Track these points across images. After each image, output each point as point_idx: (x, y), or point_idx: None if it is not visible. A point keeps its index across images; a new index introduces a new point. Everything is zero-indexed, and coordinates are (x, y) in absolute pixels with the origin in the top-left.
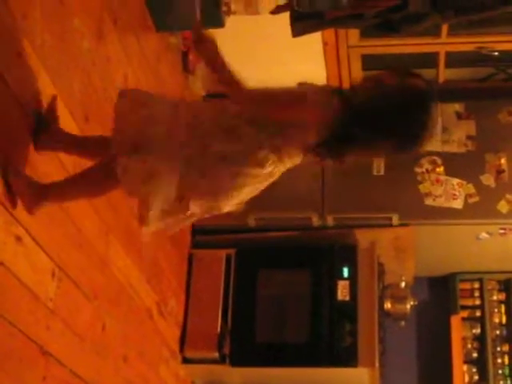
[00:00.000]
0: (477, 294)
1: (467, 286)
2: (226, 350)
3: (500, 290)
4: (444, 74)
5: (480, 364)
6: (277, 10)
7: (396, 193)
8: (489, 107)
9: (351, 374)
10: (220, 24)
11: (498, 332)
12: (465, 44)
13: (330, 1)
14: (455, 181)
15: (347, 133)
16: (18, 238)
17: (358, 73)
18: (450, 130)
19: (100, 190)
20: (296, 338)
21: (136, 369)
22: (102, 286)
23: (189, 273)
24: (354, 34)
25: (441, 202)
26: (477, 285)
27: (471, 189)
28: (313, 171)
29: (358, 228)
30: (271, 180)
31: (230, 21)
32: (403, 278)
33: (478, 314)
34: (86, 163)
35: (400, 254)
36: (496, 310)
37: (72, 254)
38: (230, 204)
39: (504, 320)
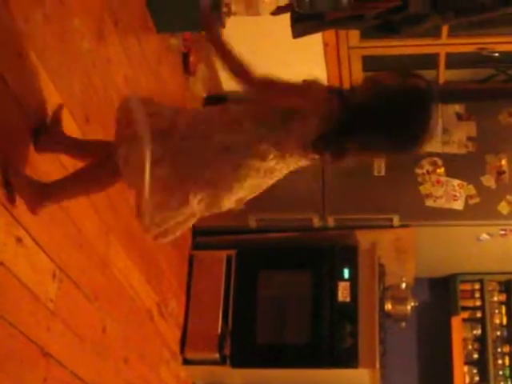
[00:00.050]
0: (477, 295)
1: (468, 287)
2: (227, 351)
3: (500, 291)
4: (444, 75)
5: (481, 365)
6: (277, 11)
7: (397, 194)
8: (489, 108)
9: (352, 375)
10: (221, 25)
11: (498, 333)
12: (465, 45)
13: (330, 2)
14: (456, 182)
15: (345, 132)
16: (19, 239)
17: (358, 74)
18: (450, 131)
19: (101, 185)
20: (296, 339)
21: (137, 370)
22: (102, 287)
23: (189, 274)
24: (354, 35)
25: (441, 203)
26: (477, 286)
27: (472, 190)
28: (313, 172)
29: (359, 229)
30: (273, 180)
31: (230, 22)
32: (404, 279)
33: (479, 315)
34: None
35: (401, 255)
36: (497, 311)
37: (72, 255)
38: (231, 199)
39: (504, 321)
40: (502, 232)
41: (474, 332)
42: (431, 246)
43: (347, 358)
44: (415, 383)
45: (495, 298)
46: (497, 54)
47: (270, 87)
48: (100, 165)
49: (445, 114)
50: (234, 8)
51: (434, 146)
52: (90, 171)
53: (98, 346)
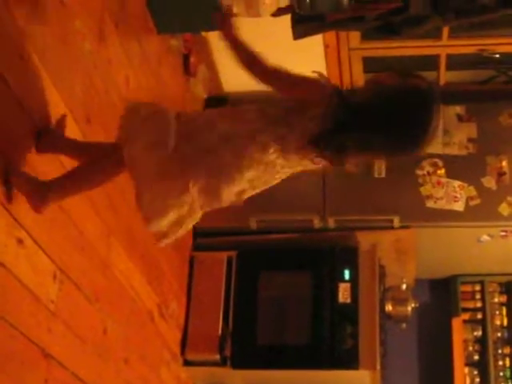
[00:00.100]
0: (478, 296)
1: (468, 288)
2: (227, 353)
3: (501, 293)
4: (445, 76)
5: (481, 366)
6: (278, 13)
7: (397, 195)
8: (490, 110)
9: (352, 376)
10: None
11: (499, 334)
12: (466, 46)
13: (331, 3)
14: (456, 183)
15: (344, 131)
16: (20, 241)
17: (359, 75)
18: (450, 133)
19: (105, 176)
20: (297, 341)
21: (137, 371)
22: (103, 289)
23: (190, 275)
24: (355, 36)
25: (442, 205)
26: (478, 287)
27: (472, 191)
28: (314, 173)
29: (359, 230)
30: (274, 178)
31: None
32: (404, 281)
33: (480, 316)
34: None
35: (401, 256)
36: (497, 313)
37: (73, 257)
38: (231, 190)
39: (505, 322)
40: (503, 233)
41: (475, 333)
42: (432, 247)
43: (348, 360)
44: None
45: (496, 300)
46: (497, 56)
47: (281, 76)
48: (106, 155)
49: (445, 115)
50: (234, 9)
51: (434, 147)
52: (95, 162)
53: (99, 347)
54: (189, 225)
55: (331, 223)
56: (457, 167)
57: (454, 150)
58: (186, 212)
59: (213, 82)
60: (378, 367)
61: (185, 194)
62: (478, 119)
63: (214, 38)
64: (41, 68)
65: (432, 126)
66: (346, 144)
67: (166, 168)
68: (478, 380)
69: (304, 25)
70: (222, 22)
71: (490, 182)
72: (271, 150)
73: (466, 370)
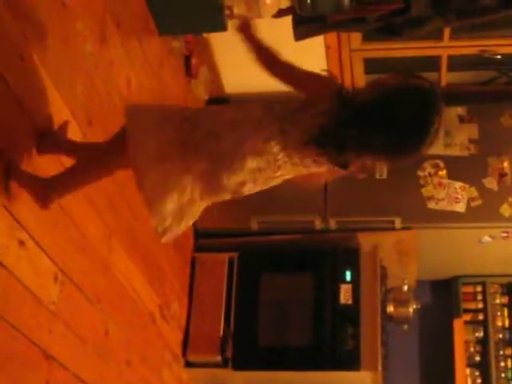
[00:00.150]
0: (479, 297)
1: (470, 289)
2: (229, 354)
3: (503, 294)
4: (446, 77)
5: (483, 367)
6: (279, 14)
7: (398, 196)
8: (491, 111)
9: (354, 377)
10: (223, 28)
11: (500, 335)
12: (467, 47)
13: (332, 4)
14: (458, 184)
15: (344, 130)
16: (21, 242)
17: (360, 76)
18: (452, 134)
19: (107, 169)
20: (298, 342)
21: (139, 373)
22: (104, 290)
23: (191, 276)
24: (356, 37)
25: (443, 206)
26: (479, 288)
27: (474, 192)
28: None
29: (361, 231)
30: (275, 175)
31: (232, 24)
32: (406, 282)
33: (481, 317)
34: None
35: (402, 257)
36: (499, 314)
37: (75, 258)
38: (231, 179)
39: (507, 323)
40: (504, 234)
41: (476, 334)
42: (433, 248)
43: (349, 361)
44: None
45: (497, 301)
46: (499, 57)
47: (299, 74)
48: (106, 148)
49: (447, 116)
50: (236, 11)
51: (436, 148)
52: (96, 154)
53: (100, 349)
54: (189, 219)
55: (333, 224)
56: (458, 168)
57: (455, 151)
58: (187, 201)
59: (214, 84)
60: (380, 368)
61: (185, 177)
62: (480, 120)
63: (216, 40)
64: (42, 69)
65: (434, 126)
66: (346, 143)
67: (166, 152)
68: (479, 381)
69: (305, 26)
70: (243, 25)
71: (491, 182)
72: (273, 143)
73: (468, 371)
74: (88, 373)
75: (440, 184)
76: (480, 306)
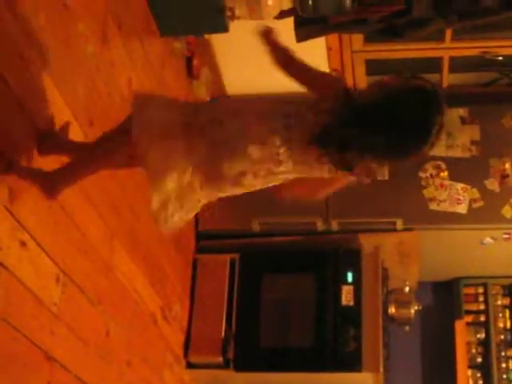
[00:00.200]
0: (481, 298)
1: (471, 290)
2: (230, 355)
3: (504, 295)
4: (448, 78)
5: (484, 369)
6: (281, 16)
7: (400, 197)
8: (493, 112)
9: (355, 378)
10: (224, 29)
11: (502, 337)
12: (469, 49)
13: (333, 6)
14: (459, 185)
15: (346, 129)
16: (23, 243)
17: (361, 78)
18: (454, 135)
19: (112, 156)
20: (300, 343)
21: (140, 374)
22: (106, 291)
23: (193, 277)
24: (357, 39)
25: (445, 207)
26: (481, 290)
27: (475, 193)
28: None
29: (362, 233)
30: (278, 172)
31: (234, 26)
32: (407, 283)
33: (483, 318)
34: None
35: (404, 258)
36: (500, 315)
37: (76, 259)
38: (232, 167)
39: (508, 325)
40: (506, 236)
41: (478, 336)
42: (435, 249)
43: (351, 362)
44: None
45: (499, 302)
46: (500, 58)
47: (308, 71)
48: (116, 130)
49: (448, 117)
50: (237, 12)
51: (437, 149)
52: (108, 138)
53: (102, 350)
54: (190, 211)
55: (334, 226)
56: (460, 169)
57: (457, 153)
58: (187, 184)
59: (216, 85)
60: (381, 370)
61: (187, 158)
62: (481, 121)
63: (217, 41)
64: (43, 70)
65: (435, 127)
66: (348, 143)
67: (170, 131)
68: (481, 382)
69: (307, 27)
70: (265, 31)
71: (493, 184)
72: (277, 135)
73: (469, 372)
74: (89, 374)
75: (442, 185)
76: (482, 307)
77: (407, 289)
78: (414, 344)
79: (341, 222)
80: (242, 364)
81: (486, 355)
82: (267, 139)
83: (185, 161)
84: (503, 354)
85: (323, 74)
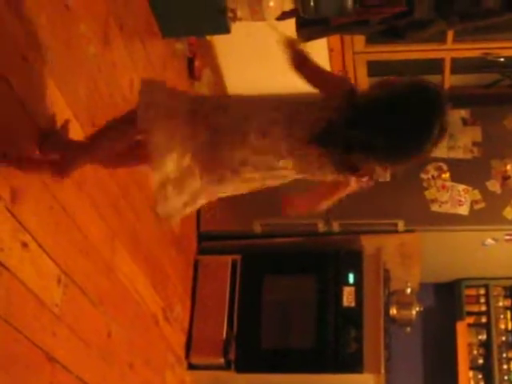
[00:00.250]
0: (482, 300)
1: (473, 292)
2: (232, 356)
3: (506, 296)
4: (449, 80)
5: (486, 370)
6: (282, 17)
7: (402, 199)
8: (494, 113)
9: (357, 380)
10: (226, 30)
11: (503, 338)
12: (470, 50)
13: (335, 7)
14: (461, 187)
15: (348, 129)
16: (25, 244)
17: (363, 79)
18: (455, 136)
19: (120, 137)
20: (301, 344)
21: (142, 375)
22: (107, 292)
23: (194, 279)
24: (359, 40)
25: (447, 208)
26: (482, 291)
27: (477, 195)
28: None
29: (364, 234)
30: (278, 168)
31: (235, 27)
32: (409, 284)
33: (484, 320)
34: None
35: (406, 260)
36: (502, 316)
37: (78, 260)
38: (233, 157)
39: (510, 326)
40: (508, 237)
41: (479, 337)
42: (436, 251)
43: (352, 363)
44: None
45: (500, 303)
46: (502, 59)
47: (321, 73)
48: (121, 121)
49: (450, 119)
50: (239, 13)
51: (439, 151)
52: (112, 127)
53: (104, 351)
54: (188, 201)
55: (336, 227)
56: (461, 171)
57: (458, 154)
58: (186, 167)
59: (217, 86)
60: (383, 371)
61: (188, 142)
62: (483, 123)
63: (219, 42)
64: (45, 71)
65: (436, 127)
66: (350, 143)
67: (175, 113)
68: None
69: (308, 28)
70: (291, 42)
71: (494, 185)
72: (279, 128)
73: (471, 373)
74: (91, 375)
75: (443, 187)
76: (483, 308)
77: (409, 290)
78: (415, 345)
79: (342, 224)
80: (244, 365)
81: (488, 357)
82: (268, 129)
83: (186, 144)
84: (504, 355)
85: (333, 76)
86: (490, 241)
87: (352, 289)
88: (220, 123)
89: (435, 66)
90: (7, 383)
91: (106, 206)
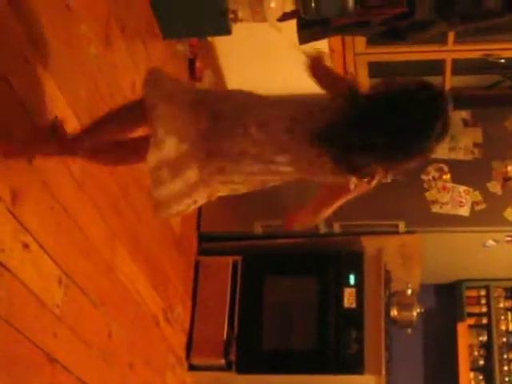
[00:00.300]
0: (483, 301)
1: (474, 293)
2: (233, 357)
3: (506, 298)
4: (450, 81)
5: (486, 371)
6: (284, 18)
7: (402, 200)
8: (495, 114)
9: (357, 381)
10: (227, 31)
11: (504, 339)
12: (471, 51)
13: (336, 8)
14: (462, 188)
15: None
16: (26, 245)
17: (364, 80)
18: (456, 138)
19: (125, 119)
20: (302, 345)
21: (142, 376)
22: (108, 293)
23: (195, 279)
24: (360, 41)
25: (447, 210)
26: (483, 292)
27: (478, 196)
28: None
29: (365, 235)
30: (277, 165)
31: (237, 28)
32: (410, 286)
33: (485, 321)
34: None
35: (406, 261)
36: (502, 318)
37: (79, 261)
38: (232, 147)
39: (510, 327)
40: (508, 238)
41: (480, 338)
42: (437, 252)
43: (353, 364)
44: None
45: (501, 305)
46: (503, 61)
47: (328, 72)
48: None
49: (451, 120)
50: (240, 14)
51: (440, 152)
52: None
53: (104, 352)
54: (186, 189)
55: (336, 228)
56: (462, 172)
57: (459, 155)
58: (184, 152)
59: (218, 87)
60: (383, 372)
61: (189, 127)
62: (484, 124)
63: (220, 43)
64: (46, 72)
65: (435, 128)
66: (353, 143)
67: (179, 97)
68: None
69: (309, 29)
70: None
71: (495, 186)
72: (280, 122)
73: (472, 375)
74: (92, 376)
75: (444, 188)
76: (484, 309)
77: (409, 291)
78: (416, 346)
79: (343, 225)
80: (244, 366)
81: (488, 358)
82: (270, 123)
83: (188, 130)
84: (505, 356)
85: (341, 77)
86: (490, 242)
87: (353, 290)
88: (222, 113)
89: (436, 67)
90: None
91: (106, 207)
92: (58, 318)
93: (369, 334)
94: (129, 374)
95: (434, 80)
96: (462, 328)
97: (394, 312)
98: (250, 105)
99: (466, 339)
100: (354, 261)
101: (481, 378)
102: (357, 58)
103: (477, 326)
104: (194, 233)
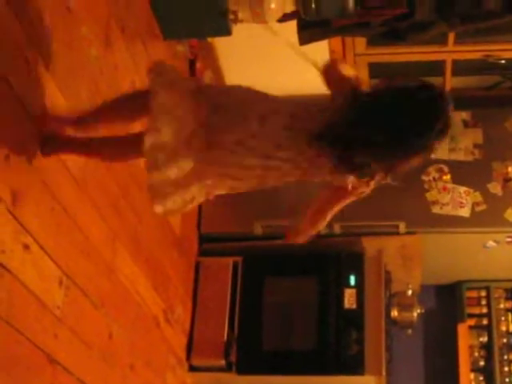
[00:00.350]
0: (484, 302)
1: (474, 294)
2: (233, 358)
3: (507, 298)
4: (450, 82)
5: (487, 372)
6: (284, 19)
7: (403, 201)
8: (495, 115)
9: (358, 382)
10: (227, 32)
11: (504, 340)
12: (471, 52)
13: (336, 9)
14: (462, 189)
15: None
16: (26, 246)
17: (364, 81)
18: (456, 138)
19: (129, 108)
20: (303, 346)
21: (143, 377)
22: (108, 294)
23: (196, 280)
24: (360, 42)
25: (448, 210)
26: (484, 293)
27: (478, 197)
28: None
29: (365, 236)
30: (276, 157)
31: (237, 29)
32: (410, 286)
33: (485, 322)
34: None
35: (407, 262)
36: (503, 318)
37: (79, 262)
38: (230, 138)
39: (511, 328)
40: (509, 239)
41: (481, 339)
42: (437, 253)
43: (353, 365)
44: None
45: (501, 305)
46: (503, 61)
47: (335, 74)
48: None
49: (451, 120)
50: (240, 15)
51: (440, 152)
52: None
53: (105, 353)
54: (182, 180)
55: (337, 229)
56: (463, 173)
57: (459, 156)
58: (183, 141)
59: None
60: (384, 373)
61: (188, 116)
62: (484, 125)
63: (220, 44)
64: (46, 73)
65: (438, 123)
66: (353, 143)
67: (182, 88)
68: None
69: (310, 30)
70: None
71: (495, 187)
72: (279, 117)
73: (472, 375)
74: (92, 377)
75: (444, 188)
76: (484, 310)
77: (410, 292)
78: (416, 347)
79: (343, 225)
80: (245, 367)
81: (489, 358)
82: (270, 118)
83: (188, 118)
84: (506, 357)
85: (346, 78)
86: (491, 243)
87: (353, 291)
88: (223, 105)
89: (436, 67)
90: None
91: (106, 207)
92: (58, 319)
93: (369, 335)
94: (129, 374)
95: (434, 81)
96: (462, 329)
97: (395, 313)
98: (250, 99)
99: (466, 340)
100: (355, 261)
101: (481, 378)
102: (357, 59)
103: (477, 327)
104: (194, 234)
